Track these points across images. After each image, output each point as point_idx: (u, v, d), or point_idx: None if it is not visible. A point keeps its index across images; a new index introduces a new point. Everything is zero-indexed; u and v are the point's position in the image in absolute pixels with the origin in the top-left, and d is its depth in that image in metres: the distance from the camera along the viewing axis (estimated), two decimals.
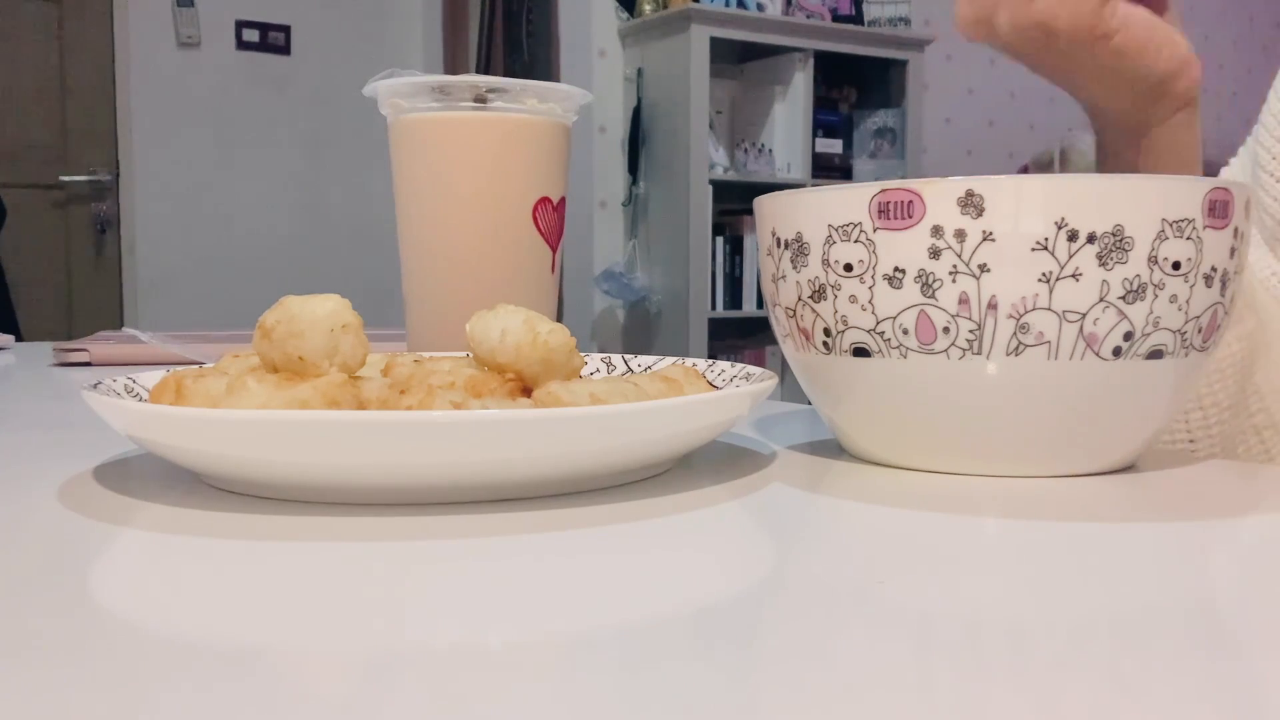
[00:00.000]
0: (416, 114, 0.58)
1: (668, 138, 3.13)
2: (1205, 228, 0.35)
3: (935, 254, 0.35)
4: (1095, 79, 0.51)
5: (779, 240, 0.39)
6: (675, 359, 0.46)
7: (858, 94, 3.54)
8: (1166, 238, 0.34)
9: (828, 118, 3.42)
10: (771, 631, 0.22)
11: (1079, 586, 0.25)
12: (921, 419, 0.37)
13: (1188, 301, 0.35)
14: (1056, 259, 0.34)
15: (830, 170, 3.40)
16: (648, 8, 3.16)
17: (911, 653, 0.20)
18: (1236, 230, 0.36)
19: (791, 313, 0.39)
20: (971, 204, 0.34)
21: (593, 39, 3.20)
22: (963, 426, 0.37)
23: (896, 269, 0.35)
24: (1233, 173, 0.63)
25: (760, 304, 3.13)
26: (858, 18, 3.42)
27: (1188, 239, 0.35)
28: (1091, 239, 0.34)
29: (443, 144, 0.58)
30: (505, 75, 0.66)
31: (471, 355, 0.37)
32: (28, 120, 3.26)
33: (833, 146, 3.42)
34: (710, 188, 3.09)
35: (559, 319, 0.48)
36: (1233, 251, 0.36)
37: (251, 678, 0.19)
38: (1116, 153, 0.55)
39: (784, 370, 2.60)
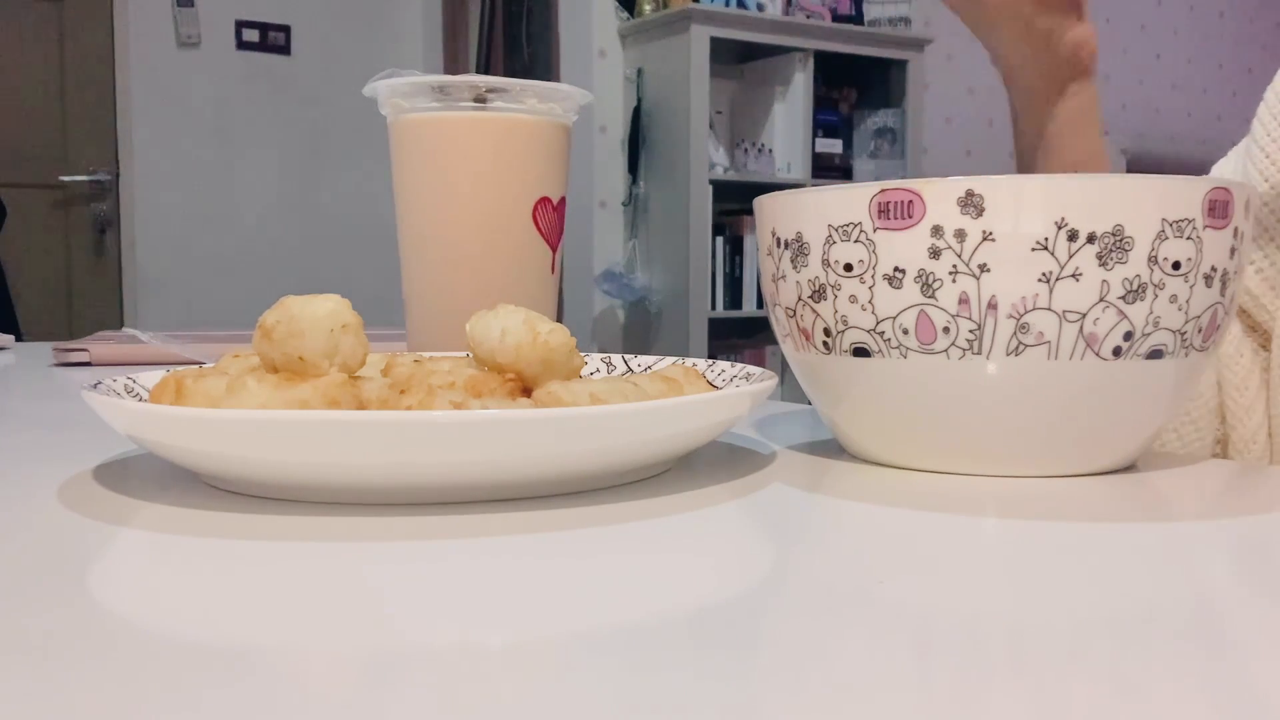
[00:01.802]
0: (416, 114, 0.58)
1: (668, 138, 3.14)
2: (1205, 228, 0.35)
3: (935, 254, 0.35)
4: (1017, 35, 0.58)
5: (779, 240, 0.39)
6: (675, 359, 0.46)
7: (858, 94, 3.54)
8: (1166, 238, 0.34)
9: (828, 118, 3.42)
10: (771, 631, 0.22)
11: (1079, 586, 0.25)
12: (921, 419, 0.37)
13: (1188, 301, 0.35)
14: (1056, 259, 0.34)
15: (830, 170, 3.40)
16: (648, 8, 3.16)
17: (911, 653, 0.20)
18: (1236, 230, 0.36)
19: (791, 313, 0.39)
20: (971, 204, 0.34)
21: (593, 39, 3.20)
22: (963, 426, 0.37)
23: (896, 269, 0.35)
24: (1220, 169, 0.63)
25: (760, 304, 3.13)
26: (858, 18, 3.42)
27: (1188, 239, 0.35)
28: (1091, 239, 0.34)
29: (443, 144, 0.58)
30: (505, 75, 0.66)
31: (471, 355, 0.37)
32: (28, 120, 3.26)
33: (833, 146, 3.42)
34: (710, 188, 3.09)
35: (559, 319, 0.48)
36: (1233, 251, 0.36)
37: (251, 678, 0.19)
38: (1028, 112, 0.61)
39: (784, 370, 2.60)
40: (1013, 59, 0.60)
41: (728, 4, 3.13)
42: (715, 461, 0.40)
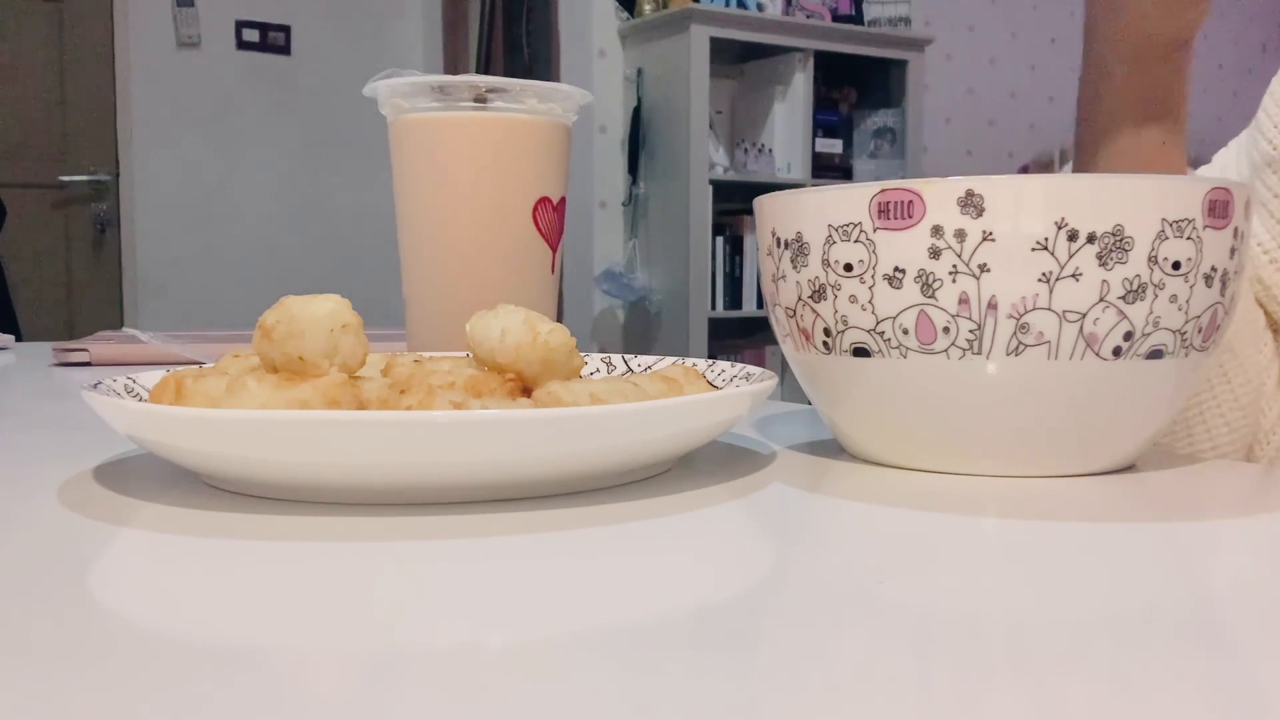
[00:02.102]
0: (416, 114, 0.58)
1: (668, 138, 3.14)
2: (1205, 228, 0.35)
3: (935, 254, 0.35)
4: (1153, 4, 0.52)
5: (779, 240, 0.39)
6: (675, 359, 0.46)
7: (858, 94, 3.54)
8: (1166, 237, 0.34)
9: (828, 118, 3.42)
10: (772, 631, 0.22)
11: (1079, 586, 0.25)
12: (921, 419, 0.37)
13: (1188, 301, 0.35)
14: (1056, 259, 0.34)
15: (830, 170, 3.41)
16: (648, 8, 3.16)
17: (911, 652, 0.20)
18: (1236, 230, 0.36)
19: (791, 313, 0.39)
20: (971, 204, 0.34)
21: (593, 39, 3.20)
22: (963, 426, 0.37)
23: (896, 269, 0.35)
24: (1222, 158, 0.63)
25: (760, 304, 3.13)
26: (858, 18, 3.42)
27: (1188, 239, 0.35)
28: (1091, 239, 0.34)
29: (443, 144, 0.58)
30: (505, 75, 0.66)
31: (471, 355, 0.37)
32: (28, 120, 3.26)
33: (833, 146, 3.42)
34: (710, 188, 3.09)
35: (559, 319, 0.48)
36: (1233, 251, 0.36)
37: (252, 678, 0.19)
38: (1133, 76, 0.55)
39: (784, 370, 2.60)
40: (1140, 18, 0.54)
41: (728, 4, 3.13)
42: (715, 461, 0.40)
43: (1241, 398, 0.56)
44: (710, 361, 0.45)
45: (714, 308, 3.20)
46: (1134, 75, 0.55)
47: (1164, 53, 0.54)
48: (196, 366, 0.38)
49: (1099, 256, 0.34)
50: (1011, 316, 0.34)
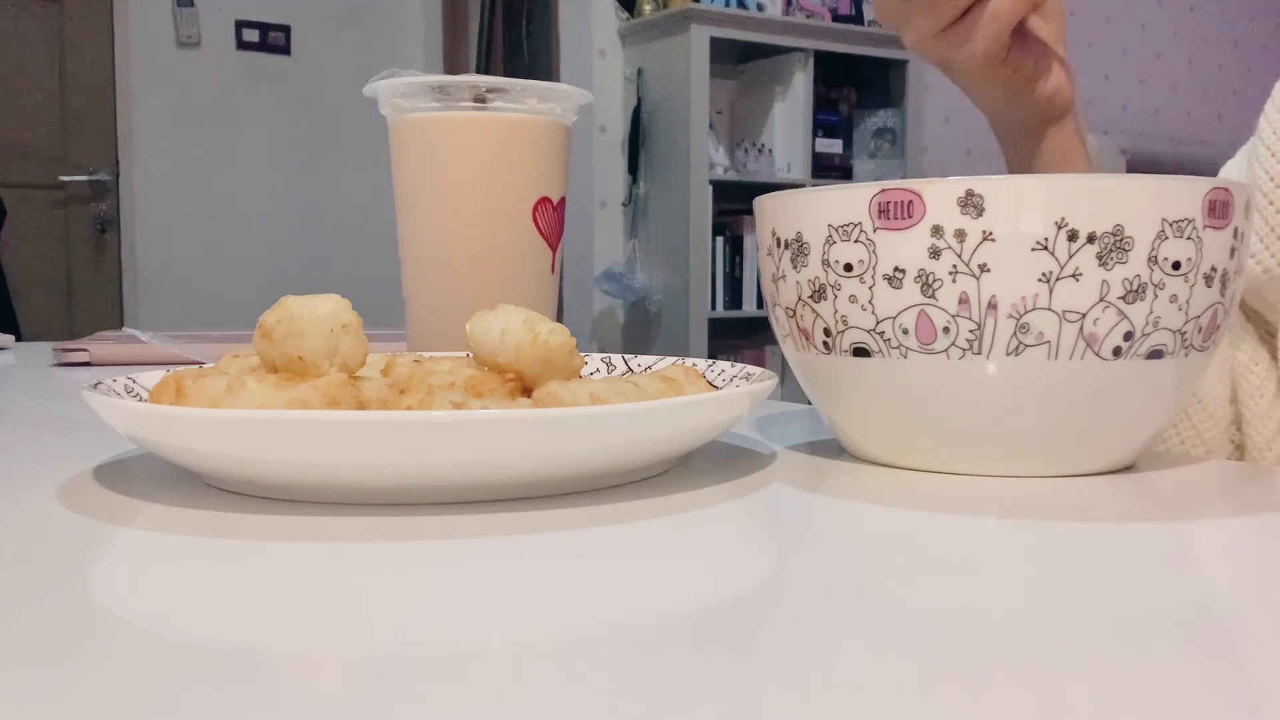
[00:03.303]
0: (416, 114, 0.58)
1: (668, 138, 3.14)
2: (1205, 228, 0.35)
3: (935, 254, 0.35)
4: (992, 88, 0.61)
5: (779, 240, 0.39)
6: (675, 359, 0.46)
7: (858, 94, 3.54)
8: (1166, 238, 0.34)
9: (828, 118, 3.42)
10: (772, 632, 0.22)
11: (1079, 586, 0.25)
12: (921, 419, 0.37)
13: (1188, 301, 0.35)
14: (1056, 259, 0.34)
15: (830, 170, 3.41)
16: (648, 8, 3.16)
17: (912, 653, 0.20)
18: (1236, 230, 0.36)
19: (791, 313, 0.39)
20: (971, 204, 0.34)
21: (593, 39, 3.20)
22: (963, 426, 0.37)
23: (896, 269, 0.35)
24: (1229, 171, 0.63)
25: (760, 304, 3.13)
26: (858, 18, 3.42)
27: (1188, 239, 0.35)
28: (1091, 239, 0.34)
29: (443, 144, 0.58)
30: (505, 75, 0.66)
31: (471, 355, 0.37)
32: (28, 120, 3.26)
33: (833, 146, 3.42)
34: (710, 188, 3.09)
35: (559, 319, 0.48)
36: (1233, 251, 0.36)
37: (251, 678, 0.19)
38: (1016, 150, 0.64)
39: (784, 370, 2.60)
40: (993, 108, 0.62)
41: (728, 4, 3.13)
42: (715, 461, 0.40)
43: (1215, 414, 0.58)
44: (710, 361, 0.45)
45: (714, 308, 3.20)
46: (1017, 157, 0.63)
47: (1034, 138, 0.62)
48: (196, 366, 0.38)
49: (1099, 256, 0.34)
50: (1011, 316, 0.34)
